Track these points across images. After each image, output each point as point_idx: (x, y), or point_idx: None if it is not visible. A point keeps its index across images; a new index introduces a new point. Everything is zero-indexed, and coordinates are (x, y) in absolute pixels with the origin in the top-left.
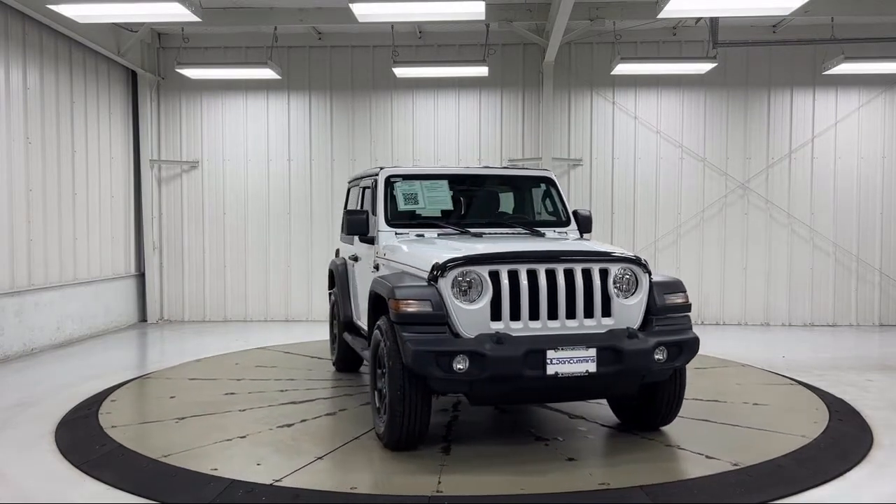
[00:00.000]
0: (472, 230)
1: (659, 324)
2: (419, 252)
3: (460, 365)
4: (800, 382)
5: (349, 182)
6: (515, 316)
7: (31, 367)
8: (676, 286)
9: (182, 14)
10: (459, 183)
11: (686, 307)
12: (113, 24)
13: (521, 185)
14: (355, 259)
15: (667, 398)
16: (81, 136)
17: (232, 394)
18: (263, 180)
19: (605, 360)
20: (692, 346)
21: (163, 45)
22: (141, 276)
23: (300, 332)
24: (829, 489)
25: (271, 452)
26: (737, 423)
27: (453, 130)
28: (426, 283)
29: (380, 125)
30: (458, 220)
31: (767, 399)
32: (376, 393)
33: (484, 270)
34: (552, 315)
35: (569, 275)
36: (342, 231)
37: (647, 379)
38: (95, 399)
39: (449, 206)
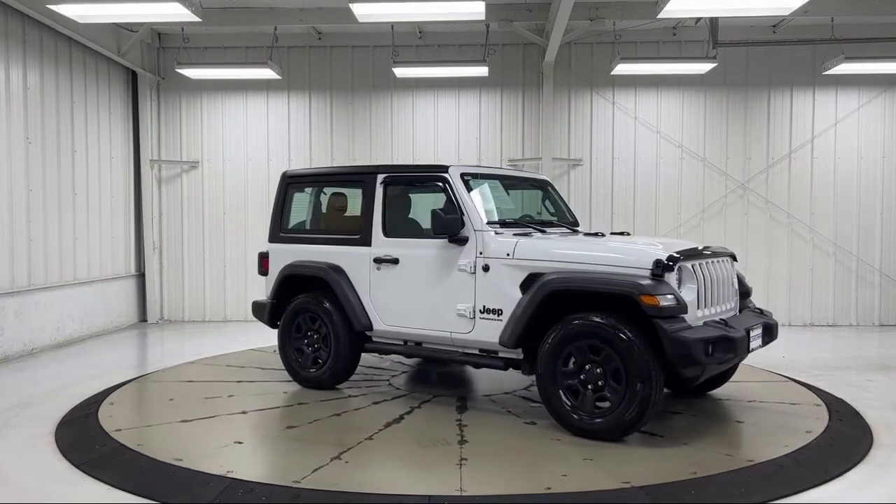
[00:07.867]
0: (547, 229)
1: (749, 305)
2: (608, 250)
3: (712, 351)
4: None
5: (290, 179)
6: (704, 304)
7: (31, 367)
8: (741, 275)
9: (182, 14)
10: (508, 183)
11: (750, 291)
12: (113, 24)
13: (540, 187)
14: (394, 262)
15: (737, 365)
16: (81, 136)
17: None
18: (263, 180)
19: (763, 334)
20: None
21: (163, 45)
22: (141, 276)
23: None
24: (829, 489)
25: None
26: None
27: (453, 130)
28: (651, 278)
29: (380, 125)
30: (525, 219)
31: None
32: (562, 392)
33: (689, 264)
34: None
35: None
36: (273, 231)
37: None
38: (95, 399)
39: (512, 205)
